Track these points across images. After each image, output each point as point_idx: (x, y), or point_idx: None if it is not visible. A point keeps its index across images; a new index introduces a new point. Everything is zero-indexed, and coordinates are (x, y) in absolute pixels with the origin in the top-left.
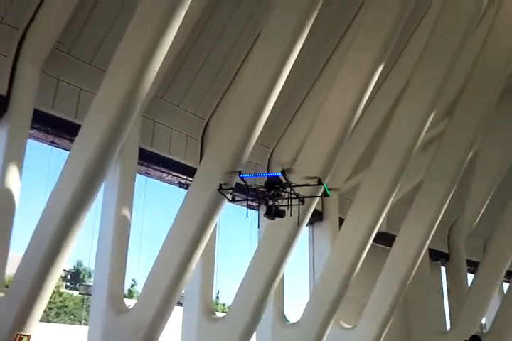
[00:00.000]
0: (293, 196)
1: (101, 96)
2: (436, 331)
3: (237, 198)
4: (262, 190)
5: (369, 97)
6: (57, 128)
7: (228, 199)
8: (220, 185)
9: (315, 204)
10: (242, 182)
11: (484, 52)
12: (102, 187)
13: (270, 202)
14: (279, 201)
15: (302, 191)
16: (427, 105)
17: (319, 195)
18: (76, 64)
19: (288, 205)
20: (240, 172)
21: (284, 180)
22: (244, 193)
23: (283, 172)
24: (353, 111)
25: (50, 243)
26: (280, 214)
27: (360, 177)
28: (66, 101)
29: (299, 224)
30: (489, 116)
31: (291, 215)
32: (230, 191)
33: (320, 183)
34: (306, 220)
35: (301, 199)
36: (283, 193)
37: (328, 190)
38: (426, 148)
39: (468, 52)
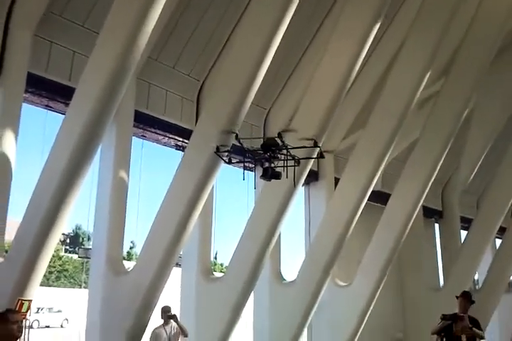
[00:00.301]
0: (289, 158)
1: (95, 58)
2: (430, 287)
3: (233, 160)
4: (258, 152)
5: (364, 58)
6: (52, 92)
7: (225, 161)
8: (217, 147)
9: (310, 165)
10: (239, 145)
11: (480, 11)
12: (99, 150)
13: (266, 164)
14: (275, 163)
15: (298, 153)
16: (422, 64)
17: (315, 156)
18: (69, 26)
19: (284, 166)
20: (236, 135)
21: (280, 143)
22: (241, 155)
23: (279, 135)
24: (348, 72)
25: (48, 207)
26: (276, 175)
27: (355, 136)
28: (60, 64)
29: (294, 185)
30: (485, 74)
31: (287, 177)
32: (227, 153)
33: (316, 145)
34: (302, 181)
35: (297, 161)
36: (279, 155)
37: (324, 151)
38: (421, 106)
39: (464, 12)
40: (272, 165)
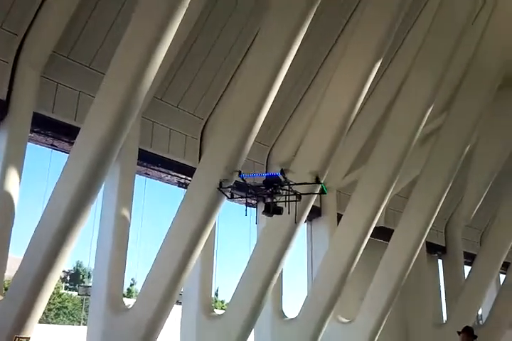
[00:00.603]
0: (291, 193)
1: (100, 98)
2: (434, 323)
3: (235, 195)
4: (260, 187)
5: (366, 94)
6: (57, 131)
7: (227, 197)
8: (220, 183)
9: (313, 201)
10: (242, 181)
11: (480, 48)
12: (102, 188)
13: (268, 200)
14: (277, 198)
15: (300, 188)
16: (424, 101)
17: (316, 192)
18: (75, 67)
19: (286, 201)
20: (239, 172)
21: (282, 179)
22: (243, 191)
23: (282, 172)
24: (350, 109)
25: (50, 245)
26: (278, 211)
27: (358, 172)
28: (65, 104)
29: (296, 221)
30: (486, 110)
31: (289, 213)
32: (229, 189)
33: (318, 181)
34: (304, 217)
35: (299, 196)
36: (281, 191)
37: (326, 187)
38: (423, 143)
39: (465, 49)
40: (274, 200)
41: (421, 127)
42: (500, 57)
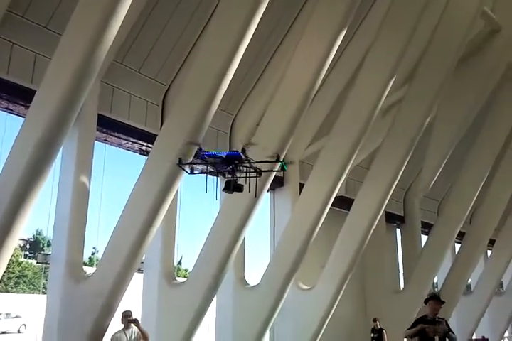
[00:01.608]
0: (251, 170)
1: (57, 60)
2: (391, 290)
3: (196, 171)
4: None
5: (330, 65)
6: (13, 94)
7: (187, 172)
8: (180, 159)
9: (272, 176)
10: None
11: (444, 20)
12: (60, 154)
13: (229, 176)
14: (238, 174)
15: (261, 164)
16: (386, 71)
17: (277, 168)
18: (31, 27)
19: (246, 177)
20: (200, 149)
21: (243, 157)
22: (204, 166)
23: (243, 150)
24: (314, 79)
25: (6, 212)
26: (238, 188)
27: (320, 143)
28: (21, 65)
29: (256, 195)
30: (447, 81)
31: (249, 191)
32: (189, 165)
33: (278, 160)
34: (264, 191)
35: (259, 173)
36: (241, 168)
37: (285, 163)
38: (385, 114)
39: (428, 20)
40: (235, 177)
41: (383, 98)
42: (462, 29)
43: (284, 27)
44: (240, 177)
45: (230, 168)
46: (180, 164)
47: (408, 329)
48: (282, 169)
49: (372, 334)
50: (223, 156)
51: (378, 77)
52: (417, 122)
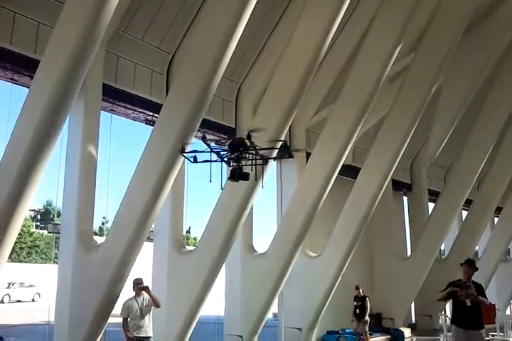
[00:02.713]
0: (257, 157)
1: (60, 29)
2: (398, 257)
3: (199, 159)
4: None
5: (336, 32)
6: (17, 64)
7: (190, 161)
8: (182, 146)
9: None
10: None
11: None
12: (67, 125)
13: (234, 164)
14: (243, 162)
15: (266, 151)
16: (392, 39)
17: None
18: None
19: (252, 165)
20: (203, 136)
21: (249, 143)
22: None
23: (248, 136)
24: (319, 46)
25: (14, 182)
26: (244, 177)
27: (326, 111)
28: (24, 35)
29: (263, 186)
30: (453, 50)
31: (256, 180)
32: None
33: (285, 147)
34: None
35: (265, 160)
36: (247, 155)
37: (293, 150)
38: (392, 81)
39: None
40: (240, 165)
41: (389, 66)
42: None
43: None
44: (245, 165)
45: (234, 155)
46: (183, 152)
47: (441, 292)
48: (289, 156)
49: (355, 303)
50: (227, 147)
51: (384, 44)
52: (423, 90)
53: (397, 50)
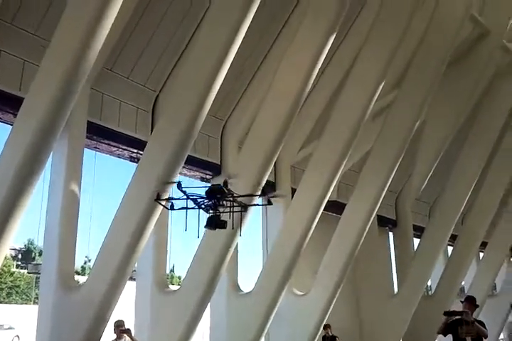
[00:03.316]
0: (235, 204)
1: (45, 67)
2: (385, 294)
3: (175, 207)
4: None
5: (320, 69)
6: (1, 102)
7: (167, 208)
8: (158, 194)
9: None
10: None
11: (432, 25)
12: (50, 162)
13: (211, 211)
14: (221, 209)
15: (244, 198)
16: (376, 76)
17: (263, 203)
18: (19, 34)
19: (230, 212)
20: (179, 184)
21: (226, 191)
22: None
23: (225, 183)
24: (305, 83)
25: None
26: (222, 225)
27: (312, 147)
28: (9, 73)
29: (240, 234)
30: (436, 85)
31: (233, 228)
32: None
33: (264, 194)
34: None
35: (244, 207)
36: (225, 202)
37: (271, 197)
38: (375, 118)
39: (417, 25)
40: (217, 213)
41: (373, 103)
42: (449, 35)
43: (273, 32)
44: (223, 212)
45: (211, 202)
46: (159, 200)
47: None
48: (269, 203)
49: None
50: (203, 194)
51: (368, 81)
52: (407, 126)
53: (381, 85)
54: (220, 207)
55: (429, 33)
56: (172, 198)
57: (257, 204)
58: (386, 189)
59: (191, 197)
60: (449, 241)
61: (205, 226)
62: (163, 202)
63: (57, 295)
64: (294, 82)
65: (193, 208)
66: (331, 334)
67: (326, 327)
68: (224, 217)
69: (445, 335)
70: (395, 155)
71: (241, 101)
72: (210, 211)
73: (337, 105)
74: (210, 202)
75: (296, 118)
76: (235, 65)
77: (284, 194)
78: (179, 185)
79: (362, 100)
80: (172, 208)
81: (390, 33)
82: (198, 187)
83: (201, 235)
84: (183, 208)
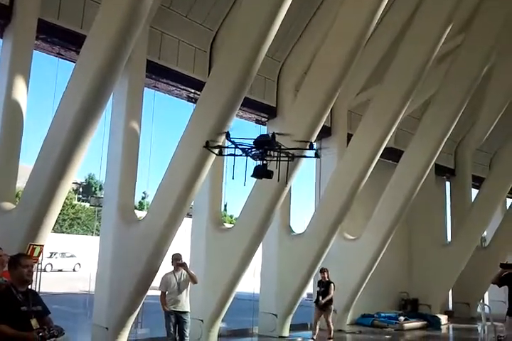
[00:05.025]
0: (282, 155)
1: (106, 5)
2: (438, 243)
3: (224, 153)
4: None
5: (384, 9)
6: (63, 39)
7: (215, 154)
8: (207, 141)
9: (303, 161)
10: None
11: None
12: (111, 100)
13: (258, 161)
14: (268, 158)
15: (294, 143)
16: (443, 18)
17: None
18: None
19: (277, 160)
20: (227, 134)
21: (274, 144)
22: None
23: (273, 136)
24: (367, 24)
25: (59, 154)
26: (268, 175)
27: (370, 92)
28: (71, 10)
29: (286, 183)
30: (506, 29)
31: (278, 180)
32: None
33: (311, 147)
34: (294, 177)
35: (291, 157)
36: (272, 153)
37: (318, 150)
38: (440, 62)
39: None
40: (265, 162)
41: (439, 45)
42: None
43: None
44: (270, 161)
45: (259, 152)
46: (208, 147)
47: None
48: (316, 156)
49: (318, 288)
50: (251, 144)
51: (434, 22)
52: (473, 71)
53: (448, 29)
54: (267, 157)
55: None
56: (221, 146)
57: (305, 156)
58: (447, 137)
59: (239, 147)
60: (508, 193)
61: (252, 175)
62: (214, 150)
63: (117, 228)
64: (355, 21)
65: (240, 155)
66: (327, 279)
67: (323, 270)
68: (273, 167)
69: (500, 286)
70: (459, 102)
71: (299, 43)
72: (258, 160)
73: (400, 47)
74: (257, 152)
75: (356, 60)
76: (294, 5)
77: (331, 148)
78: (228, 135)
79: (427, 42)
80: (220, 154)
81: None
82: (247, 138)
83: (250, 183)
84: (231, 155)
